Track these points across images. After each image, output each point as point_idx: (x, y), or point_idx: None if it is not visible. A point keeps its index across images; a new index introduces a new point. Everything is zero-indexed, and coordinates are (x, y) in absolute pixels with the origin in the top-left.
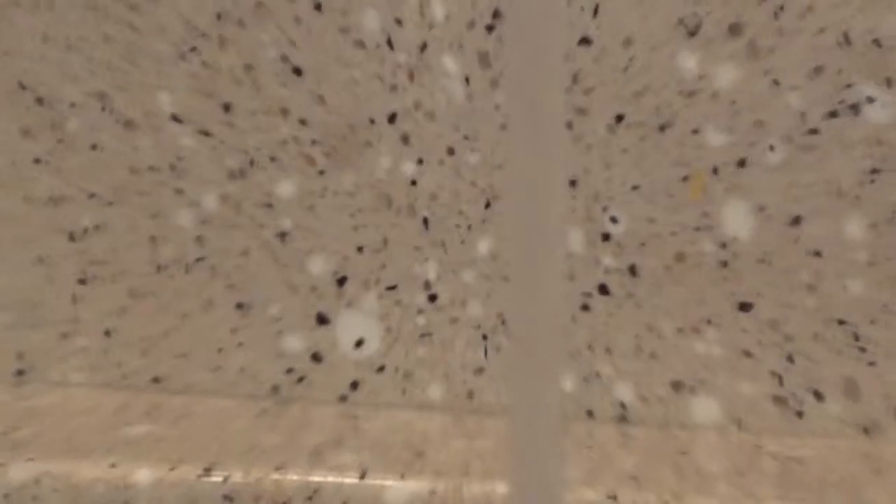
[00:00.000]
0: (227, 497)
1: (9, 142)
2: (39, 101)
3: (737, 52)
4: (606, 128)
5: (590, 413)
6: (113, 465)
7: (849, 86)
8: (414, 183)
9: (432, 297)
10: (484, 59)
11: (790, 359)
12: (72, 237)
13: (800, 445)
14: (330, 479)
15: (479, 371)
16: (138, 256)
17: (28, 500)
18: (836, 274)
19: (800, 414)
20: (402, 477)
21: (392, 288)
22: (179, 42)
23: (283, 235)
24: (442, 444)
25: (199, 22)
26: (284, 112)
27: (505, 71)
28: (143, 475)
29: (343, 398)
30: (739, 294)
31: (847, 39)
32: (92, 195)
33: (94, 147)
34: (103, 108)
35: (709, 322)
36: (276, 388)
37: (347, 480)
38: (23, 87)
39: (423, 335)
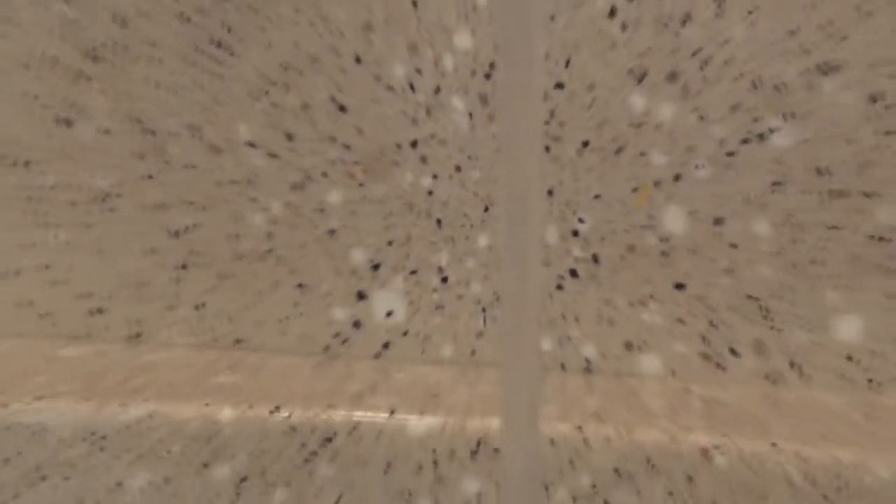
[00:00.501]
0: (291, 428)
1: (126, 163)
2: (150, 131)
3: (673, 95)
4: (576, 151)
5: (563, 366)
6: (206, 405)
7: (756, 119)
8: (430, 193)
9: (444, 279)
10: (483, 99)
11: (713, 325)
12: (175, 234)
13: (721, 391)
14: (367, 416)
15: (479, 335)
16: (223, 248)
17: (144, 430)
18: (748, 261)
19: (721, 367)
20: (421, 414)
21: (414, 272)
22: (254, 87)
23: (331, 232)
24: (451, 390)
25: (269, 72)
26: (332, 139)
27: (499, 108)
28: (227, 413)
29: (377, 355)
30: (675, 276)
31: (756, 84)
32: (189, 202)
33: (189, 166)
34: (196, 137)
35: (651, 297)
36: (327, 348)
37: (380, 417)
38: (138, 121)
39: (437, 308)
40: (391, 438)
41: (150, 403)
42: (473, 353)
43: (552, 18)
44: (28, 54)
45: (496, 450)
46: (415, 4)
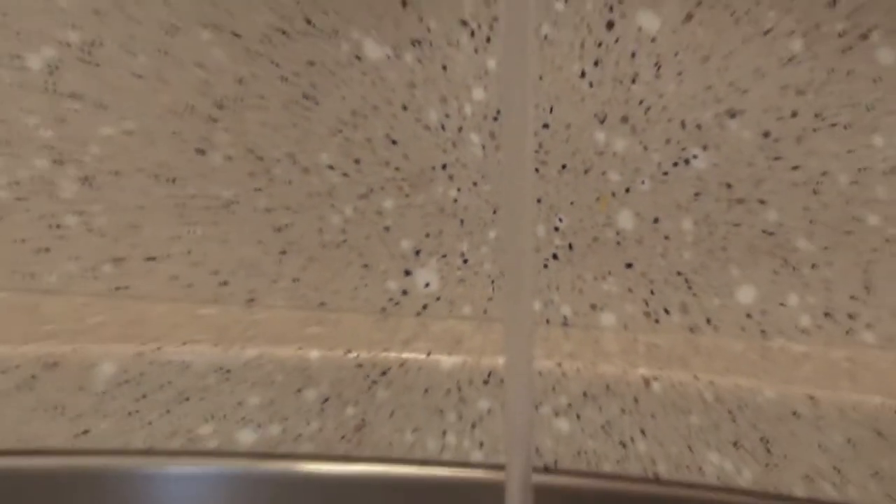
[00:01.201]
0: (358, 364)
1: (243, 180)
2: (259, 158)
3: (625, 132)
4: (557, 172)
5: (547, 321)
6: (299, 349)
7: (683, 149)
8: (455, 200)
9: (465, 261)
10: (492, 135)
11: (652, 293)
12: (277, 230)
13: (657, 338)
14: (411, 356)
15: (490, 299)
16: (312, 240)
17: (256, 366)
18: (676, 248)
19: (657, 321)
20: (449, 354)
21: (444, 256)
22: (332, 127)
23: (387, 228)
24: (470, 338)
25: (343, 116)
26: (387, 163)
27: (503, 142)
28: (314, 354)
29: (418, 314)
30: (625, 259)
31: (683, 125)
32: (287, 207)
33: (287, 182)
34: (292, 162)
35: (609, 273)
36: (383, 309)
37: (420, 357)
38: (251, 151)
39: (460, 280)
40: (428, 372)
41: (260, 347)
42: (485, 311)
43: (541, 78)
44: (176, 104)
45: (501, 379)
46: (444, 68)
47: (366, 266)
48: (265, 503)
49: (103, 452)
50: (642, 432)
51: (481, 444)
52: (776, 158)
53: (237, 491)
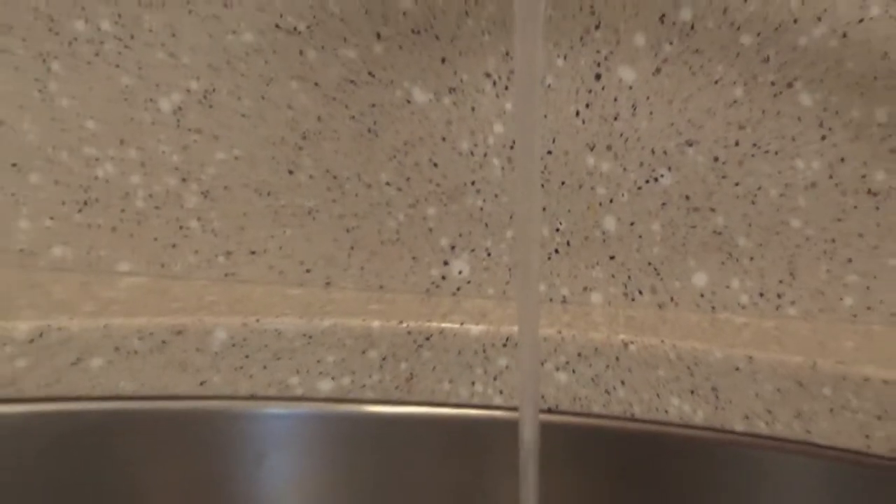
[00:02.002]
0: (408, 332)
1: (322, 193)
2: (333, 177)
3: (609, 157)
4: (557, 187)
5: (550, 300)
6: (363, 320)
7: (654, 170)
8: (481, 209)
9: (489, 254)
10: (509, 160)
11: (630, 278)
12: (347, 231)
13: (634, 312)
14: (449, 325)
15: (507, 283)
16: (374, 239)
17: (331, 333)
18: (648, 245)
19: (634, 300)
20: (477, 324)
21: (473, 250)
22: (388, 153)
23: (430, 230)
24: (492, 312)
25: (397, 145)
26: (430, 181)
27: (517, 164)
28: (375, 324)
29: (454, 294)
30: (609, 252)
31: (653, 151)
32: (355, 214)
33: (355, 195)
34: (359, 180)
35: (597, 263)
36: (427, 291)
37: (455, 326)
38: (328, 171)
39: (485, 269)
40: (461, 337)
41: (335, 319)
42: (504, 292)
43: (545, 116)
44: (271, 136)
45: (515, 343)
46: (473, 109)
47: (414, 258)
48: (338, 436)
49: (217, 398)
50: (622, 383)
51: (501, 392)
52: (723, 177)
53: (317, 427)
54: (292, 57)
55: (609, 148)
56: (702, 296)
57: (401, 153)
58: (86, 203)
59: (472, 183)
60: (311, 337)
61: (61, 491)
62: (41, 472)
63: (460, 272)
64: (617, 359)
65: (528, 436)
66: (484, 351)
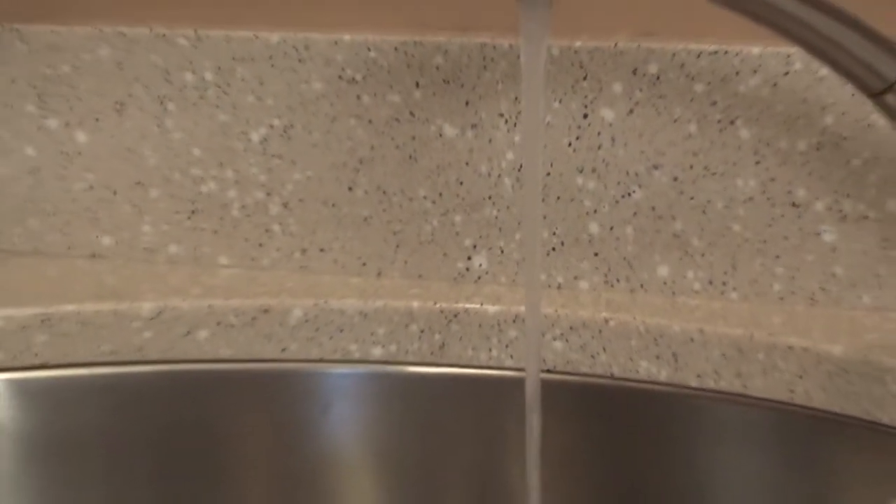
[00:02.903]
0: (440, 311)
1: (374, 205)
2: (383, 192)
3: (594, 178)
4: (554, 201)
5: (549, 286)
6: (406, 302)
7: (627, 187)
8: (496, 217)
9: (502, 252)
10: (518, 179)
11: (609, 270)
12: (394, 234)
13: (613, 296)
14: (472, 305)
15: (516, 274)
16: (415, 240)
17: (380, 312)
18: (623, 244)
19: (613, 287)
20: (493, 304)
21: (490, 249)
22: (425, 174)
23: (457, 233)
24: (504, 295)
25: (432, 168)
26: (458, 195)
27: (524, 183)
28: (415, 304)
29: (475, 282)
30: (594, 251)
31: (627, 173)
32: (400, 220)
33: (400, 206)
34: (404, 195)
35: (584, 259)
36: (455, 279)
37: (477, 306)
38: (379, 187)
39: (499, 263)
40: (481, 315)
41: (384, 300)
42: (514, 281)
43: (545, 147)
44: (336, 161)
45: (523, 319)
46: (490, 141)
47: (445, 254)
48: (386, 390)
49: (293, 361)
50: (603, 349)
51: (511, 356)
52: (681, 193)
53: (370, 383)
54: (351, 100)
55: (593, 170)
56: (664, 283)
57: (434, 174)
58: (193, 212)
59: (489, 197)
60: (366, 314)
61: (175, 433)
62: (160, 419)
63: (480, 265)
64: (599, 331)
65: (532, 390)
66: (498, 325)
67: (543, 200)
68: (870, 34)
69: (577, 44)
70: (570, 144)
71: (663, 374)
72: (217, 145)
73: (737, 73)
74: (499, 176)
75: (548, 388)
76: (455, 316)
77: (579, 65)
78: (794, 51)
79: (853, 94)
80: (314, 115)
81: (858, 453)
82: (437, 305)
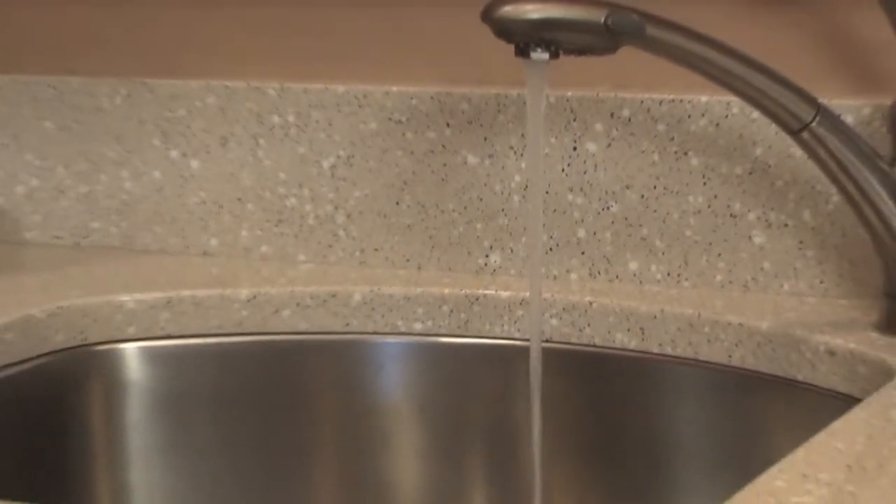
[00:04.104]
0: (465, 295)
1: (415, 216)
2: (423, 206)
3: (581, 195)
4: (552, 212)
5: (547, 277)
6: (439, 289)
7: (606, 202)
8: (507, 224)
9: (512, 251)
10: (524, 196)
11: (594, 265)
12: (430, 237)
13: (595, 285)
14: (489, 292)
15: (523, 268)
16: (445, 241)
17: (420, 297)
18: (603, 245)
19: (595, 277)
20: (505, 291)
21: (502, 249)
22: (454, 193)
23: (478, 237)
24: (514, 285)
25: (458, 188)
26: (478, 208)
27: (529, 198)
28: (446, 291)
29: (491, 274)
30: (581, 250)
31: (607, 192)
32: (437, 228)
33: (435, 217)
34: (437, 207)
35: (573, 257)
36: (476, 272)
37: (493, 292)
38: (419, 203)
39: (509, 259)
40: (495, 299)
41: (423, 287)
42: (521, 273)
43: (545, 172)
44: (386, 183)
45: (528, 303)
46: (503, 167)
47: (469, 253)
48: (425, 356)
49: (354, 333)
50: (588, 325)
51: (518, 330)
52: (646, 207)
53: (413, 350)
54: (398, 137)
55: (581, 189)
56: (634, 275)
57: (460, 192)
58: (279, 221)
59: (502, 210)
60: (409, 298)
61: (265, 388)
62: (254, 377)
63: (495, 261)
64: (585, 311)
65: (535, 356)
66: (509, 307)
67: (543, 212)
68: (789, 85)
69: (569, 93)
70: (563, 170)
71: (633, 344)
72: (297, 171)
73: (689, 116)
74: (509, 193)
75: (546, 355)
76: (476, 300)
77: (570, 109)
78: (733, 99)
79: (777, 132)
80: (370, 148)
81: (779, 404)
82: (463, 291)
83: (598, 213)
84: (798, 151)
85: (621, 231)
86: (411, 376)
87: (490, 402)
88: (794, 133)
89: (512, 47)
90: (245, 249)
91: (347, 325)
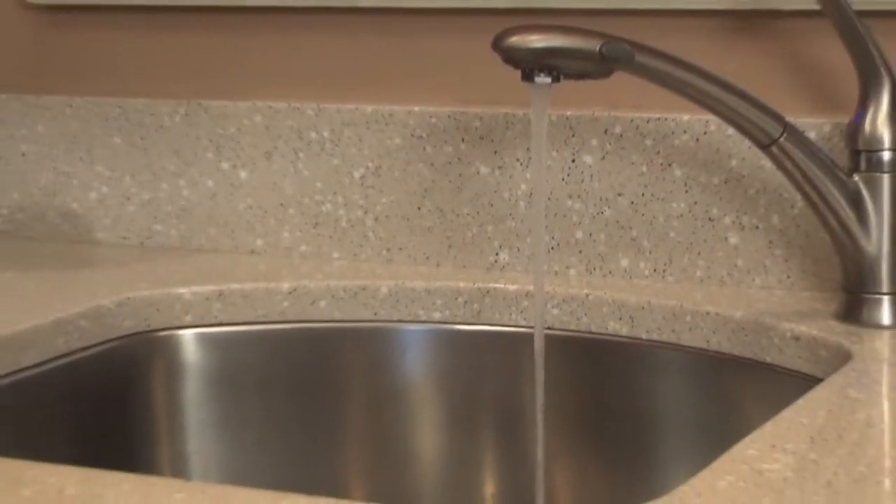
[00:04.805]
0: (478, 289)
1: (435, 220)
2: (442, 211)
3: (578, 201)
4: (552, 216)
5: (549, 272)
6: (455, 282)
7: (601, 207)
8: (514, 227)
9: (518, 250)
10: (529, 202)
11: (590, 262)
12: (447, 238)
13: (590, 280)
14: (499, 285)
15: (528, 265)
16: (460, 242)
17: (438, 290)
18: (597, 245)
19: (591, 273)
20: (513, 285)
21: (510, 248)
22: (468, 199)
23: (489, 238)
24: (520, 279)
25: (472, 195)
26: (489, 213)
27: (533, 204)
28: (461, 284)
29: (501, 269)
30: (578, 249)
31: (602, 199)
32: (454, 230)
33: (451, 221)
34: (453, 212)
35: (572, 255)
36: (488, 268)
37: (503, 286)
38: (438, 208)
39: (516, 257)
40: (504, 293)
41: (441, 282)
42: (527, 269)
43: (547, 181)
44: (409, 190)
45: (532, 295)
46: (510, 177)
47: (481, 252)
48: (442, 341)
49: (381, 321)
50: (585, 314)
51: (524, 319)
52: (635, 211)
53: (433, 336)
54: (419, 150)
55: (578, 196)
56: (625, 271)
57: (474, 199)
58: (316, 224)
59: (510, 214)
60: (429, 291)
61: (304, 369)
62: (295, 360)
63: (504, 259)
64: (582, 302)
65: (538, 341)
66: (516, 299)
67: (545, 216)
68: (760, 105)
69: (568, 113)
70: (563, 179)
71: (624, 331)
72: (331, 180)
73: (672, 132)
74: (516, 200)
75: (548, 340)
76: (487, 292)
77: (569, 127)
78: (711, 118)
79: (749, 147)
80: (395, 160)
81: (751, 383)
82: (476, 285)
83: (594, 217)
84: (768, 163)
85: (614, 233)
86: (431, 359)
87: (499, 381)
88: (765, 147)
89: (518, 73)
90: (286, 249)
91: (375, 314)
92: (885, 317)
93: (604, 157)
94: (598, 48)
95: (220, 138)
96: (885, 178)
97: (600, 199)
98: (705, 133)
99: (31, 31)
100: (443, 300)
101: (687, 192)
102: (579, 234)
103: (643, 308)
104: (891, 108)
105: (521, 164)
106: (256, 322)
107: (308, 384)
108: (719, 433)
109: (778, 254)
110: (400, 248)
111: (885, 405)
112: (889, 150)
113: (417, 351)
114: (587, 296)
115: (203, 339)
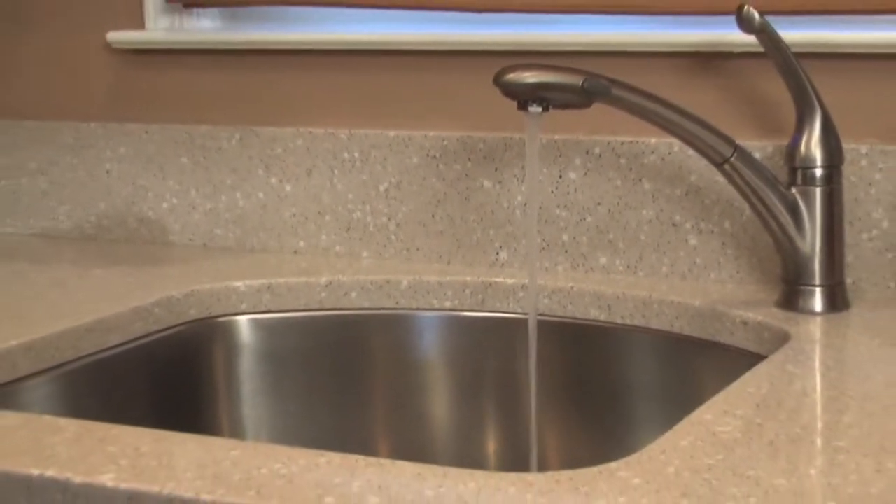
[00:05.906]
0: (481, 283)
1: (447, 224)
2: (451, 217)
3: (563, 209)
4: (544, 222)
5: (540, 269)
6: (461, 277)
7: (584, 215)
8: (512, 230)
9: (515, 250)
10: (524, 210)
11: (575, 260)
12: (457, 240)
13: (575, 275)
14: (499, 280)
15: (523, 263)
16: (468, 242)
17: (447, 283)
18: (581, 246)
19: (576, 270)
20: (512, 279)
21: (509, 249)
22: (475, 208)
23: (491, 240)
24: (517, 275)
25: (477, 206)
26: (492, 220)
27: (527, 212)
28: (468, 278)
29: (501, 267)
30: (565, 248)
31: (586, 208)
32: (463, 233)
33: (460, 226)
34: (462, 219)
35: (560, 254)
36: (490, 265)
37: (502, 279)
38: (448, 215)
39: (512, 256)
40: (503, 287)
41: (451, 276)
42: (522, 266)
43: (539, 193)
44: (425, 201)
45: (527, 287)
46: (508, 190)
47: (484, 252)
48: (452, 326)
49: (401, 309)
50: (570, 303)
51: (520, 307)
52: (612, 218)
53: (444, 322)
54: (433, 167)
55: (565, 206)
56: (603, 268)
57: (479, 207)
58: (348, 229)
59: (508, 221)
60: (441, 283)
61: (338, 350)
62: (331, 342)
63: (504, 258)
64: (568, 293)
65: (532, 326)
66: (513, 290)
67: (537, 222)
68: (714, 130)
69: (556, 136)
70: (552, 191)
71: (602, 317)
72: (361, 192)
73: (643, 153)
74: (513, 209)
75: (540, 325)
76: (490, 285)
77: (557, 148)
78: (675, 140)
79: (706, 165)
80: (413, 176)
81: (708, 360)
82: (480, 279)
83: (577, 223)
84: (721, 178)
85: (594, 236)
86: (443, 340)
87: (499, 359)
88: (719, 165)
89: (515, 103)
90: (324, 249)
91: (397, 303)
92: (818, 305)
93: (586, 174)
94: (580, 83)
95: (269, 158)
96: (818, 191)
97: (583, 208)
98: (670, 153)
99: (114, 70)
100: (453, 291)
101: (654, 202)
102: (566, 237)
103: (618, 298)
104: (822, 133)
105: (518, 179)
106: (299, 310)
107: (341, 361)
108: (681, 401)
109: (730, 253)
110: (417, 249)
111: (818, 378)
112: (820, 167)
113: (432, 333)
114: (572, 288)
115: (255, 324)
